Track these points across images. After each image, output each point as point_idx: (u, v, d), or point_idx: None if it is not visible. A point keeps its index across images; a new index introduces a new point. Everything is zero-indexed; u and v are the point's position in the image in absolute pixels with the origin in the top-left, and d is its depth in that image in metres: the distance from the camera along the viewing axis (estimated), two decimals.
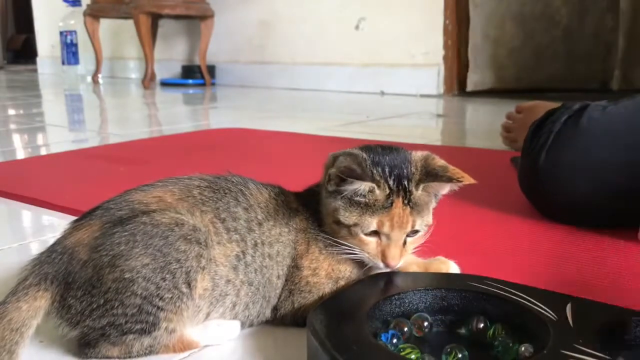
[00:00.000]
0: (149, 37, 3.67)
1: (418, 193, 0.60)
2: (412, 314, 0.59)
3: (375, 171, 0.59)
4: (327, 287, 0.62)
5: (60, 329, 0.56)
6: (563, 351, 0.47)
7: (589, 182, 0.89)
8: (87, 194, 1.15)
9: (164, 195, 0.60)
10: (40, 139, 1.99)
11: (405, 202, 0.59)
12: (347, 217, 0.59)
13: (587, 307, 0.55)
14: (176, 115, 2.67)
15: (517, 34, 2.93)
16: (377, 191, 0.58)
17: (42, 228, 1.03)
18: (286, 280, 0.62)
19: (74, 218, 0.61)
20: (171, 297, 0.55)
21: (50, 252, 0.57)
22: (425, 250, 0.67)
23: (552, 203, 0.95)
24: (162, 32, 4.16)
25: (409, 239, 0.61)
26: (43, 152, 1.72)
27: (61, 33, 4.34)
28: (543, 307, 0.54)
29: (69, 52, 4.33)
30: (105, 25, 4.16)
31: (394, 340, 0.55)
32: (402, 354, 0.53)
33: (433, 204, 0.62)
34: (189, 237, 0.56)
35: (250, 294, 0.61)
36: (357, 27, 3.33)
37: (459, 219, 0.96)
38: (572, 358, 0.47)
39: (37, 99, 3.32)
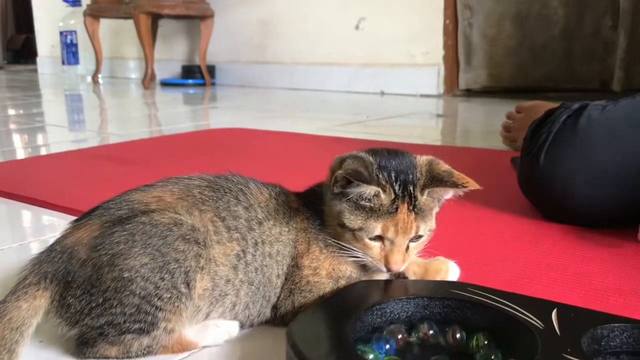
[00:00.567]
0: (149, 37, 3.67)
1: (423, 198, 0.60)
2: (394, 324, 0.57)
3: (381, 176, 0.59)
4: (327, 287, 0.62)
5: (59, 328, 0.56)
6: None
7: (588, 181, 0.89)
8: (87, 194, 1.15)
9: (163, 195, 0.60)
10: (40, 139, 1.99)
11: (410, 207, 0.59)
12: (352, 220, 0.59)
13: (572, 314, 0.54)
14: (176, 115, 2.67)
15: (515, 33, 2.93)
16: (383, 196, 0.59)
17: (42, 228, 1.03)
18: (286, 279, 0.62)
19: (74, 218, 0.61)
20: (170, 296, 0.55)
21: (50, 252, 0.57)
22: (424, 250, 0.67)
23: (551, 203, 0.95)
24: (162, 32, 4.16)
25: (412, 244, 0.61)
26: (43, 152, 1.72)
27: (61, 33, 4.34)
28: (528, 314, 0.53)
29: (69, 52, 4.33)
30: (105, 25, 4.16)
31: (387, 347, 0.54)
32: None
33: (436, 209, 0.62)
34: (187, 237, 0.56)
35: (250, 293, 0.61)
36: (357, 27, 3.33)
37: (458, 219, 0.96)
38: None
39: (37, 99, 3.32)
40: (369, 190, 0.58)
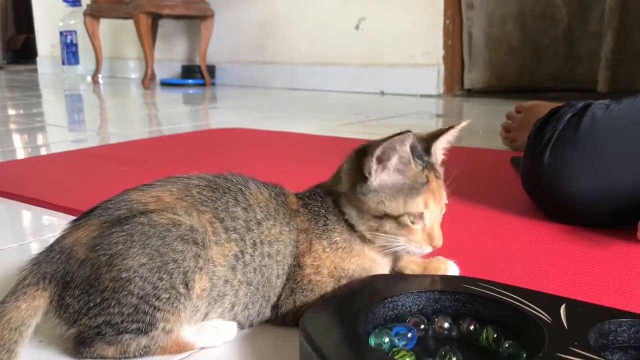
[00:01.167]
0: (149, 37, 3.67)
1: (434, 160, 0.63)
2: (406, 317, 0.58)
3: None
4: (329, 286, 0.62)
5: (58, 328, 0.56)
6: (559, 354, 0.47)
7: (591, 181, 0.89)
8: (86, 194, 1.15)
9: (162, 195, 0.59)
10: (40, 139, 1.99)
11: (437, 174, 0.62)
12: (394, 206, 0.60)
13: (581, 309, 0.55)
14: (176, 115, 2.67)
15: (518, 33, 2.93)
16: (413, 166, 0.61)
17: (42, 228, 1.03)
18: (287, 279, 0.62)
19: (74, 218, 0.61)
20: (168, 297, 0.55)
21: (49, 252, 0.57)
22: None
23: (555, 202, 0.94)
24: (162, 32, 4.16)
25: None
26: (43, 152, 1.72)
27: (61, 33, 4.34)
28: (537, 309, 0.54)
29: (69, 52, 4.33)
30: (105, 25, 4.16)
31: (409, 335, 0.56)
32: (397, 357, 0.53)
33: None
34: (185, 238, 0.56)
35: (249, 294, 0.60)
36: (357, 27, 3.33)
37: (458, 219, 0.96)
38: None
39: (37, 99, 3.32)
40: (406, 153, 0.59)
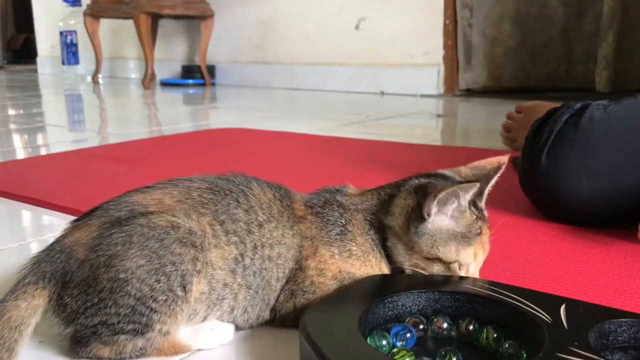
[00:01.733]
0: (149, 37, 3.67)
1: (485, 210, 0.63)
2: (405, 317, 0.58)
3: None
4: (331, 288, 0.62)
5: (56, 328, 0.57)
6: (559, 354, 0.47)
7: (589, 181, 0.89)
8: (86, 194, 1.15)
9: (163, 197, 0.59)
10: (40, 139, 1.99)
11: (487, 225, 0.63)
12: (447, 253, 0.61)
13: (581, 309, 0.55)
14: (176, 115, 2.67)
15: (515, 33, 2.93)
16: (468, 214, 0.61)
17: (42, 228, 1.03)
18: (287, 281, 0.62)
19: (74, 218, 0.61)
20: (165, 299, 0.55)
21: (49, 251, 0.57)
22: None
23: (552, 202, 0.95)
24: (162, 32, 4.16)
25: None
26: (43, 152, 1.72)
27: (61, 33, 4.35)
28: (537, 309, 0.54)
29: (69, 52, 4.34)
30: (105, 25, 4.16)
31: (408, 335, 0.56)
32: (397, 357, 0.53)
33: None
34: (184, 240, 0.56)
35: (248, 297, 0.60)
36: (357, 27, 3.33)
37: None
38: None
39: (37, 99, 3.32)
40: (465, 201, 0.59)
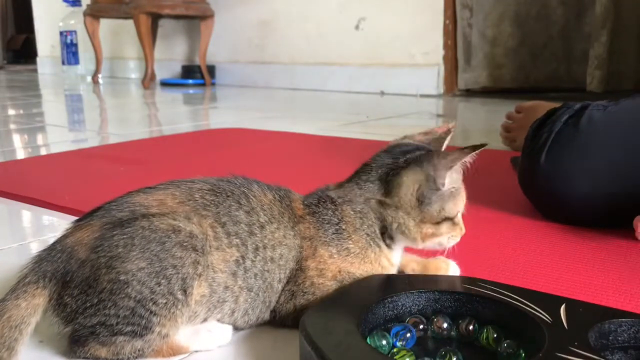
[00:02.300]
0: (149, 37, 3.67)
1: None
2: (405, 317, 0.59)
3: None
4: (331, 289, 0.62)
5: (55, 327, 0.57)
6: (559, 354, 0.47)
7: (588, 182, 0.89)
8: (86, 194, 1.15)
9: (165, 199, 0.59)
10: (40, 139, 1.99)
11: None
12: (452, 209, 0.64)
13: (581, 309, 0.55)
14: (176, 115, 2.67)
15: (514, 33, 2.93)
16: (459, 172, 0.64)
17: (42, 228, 1.03)
18: (288, 281, 0.62)
19: (74, 218, 0.61)
20: (165, 302, 0.55)
21: (50, 250, 0.57)
22: (427, 250, 0.67)
23: (551, 202, 0.95)
24: (162, 32, 4.16)
25: None
26: (43, 152, 1.72)
27: (61, 33, 4.35)
28: (537, 309, 0.54)
29: (69, 52, 4.34)
30: (105, 25, 4.16)
31: (408, 335, 0.56)
32: (397, 357, 0.53)
33: None
34: (185, 244, 0.56)
35: (249, 300, 0.60)
36: (357, 27, 3.33)
37: None
38: None
39: (37, 99, 3.33)
40: (468, 158, 0.62)
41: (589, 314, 0.54)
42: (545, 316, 0.53)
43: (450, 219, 0.64)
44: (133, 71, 4.57)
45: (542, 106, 1.40)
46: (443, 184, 0.62)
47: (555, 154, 0.92)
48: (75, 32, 4.30)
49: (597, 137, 0.90)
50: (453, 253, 0.70)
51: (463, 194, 0.65)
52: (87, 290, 0.54)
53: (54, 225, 1.01)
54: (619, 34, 2.56)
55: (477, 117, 2.53)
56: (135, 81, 4.26)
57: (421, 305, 0.59)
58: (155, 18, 3.83)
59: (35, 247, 0.90)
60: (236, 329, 0.62)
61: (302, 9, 3.51)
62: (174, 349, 0.58)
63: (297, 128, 2.00)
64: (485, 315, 0.57)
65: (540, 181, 0.94)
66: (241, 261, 0.59)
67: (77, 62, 4.36)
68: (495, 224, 0.96)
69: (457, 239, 0.66)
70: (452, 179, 0.63)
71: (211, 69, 3.92)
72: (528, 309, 0.54)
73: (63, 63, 4.41)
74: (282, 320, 0.62)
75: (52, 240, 0.59)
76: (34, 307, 0.55)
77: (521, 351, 0.52)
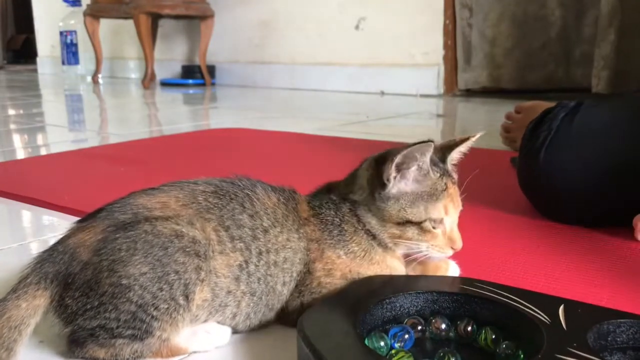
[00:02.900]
0: (149, 37, 3.67)
1: (450, 168, 0.65)
2: (403, 318, 0.58)
3: None
4: (339, 288, 0.62)
5: (57, 328, 0.57)
6: (558, 355, 0.47)
7: (583, 180, 0.89)
8: (87, 194, 1.15)
9: (168, 201, 0.59)
10: (40, 139, 1.99)
11: (453, 180, 0.64)
12: (416, 213, 0.61)
13: (579, 310, 0.55)
14: (176, 115, 2.67)
15: (514, 34, 2.93)
16: (431, 174, 0.62)
17: (42, 228, 1.03)
18: (296, 285, 0.62)
19: (74, 218, 0.61)
20: (167, 307, 0.54)
21: (52, 251, 0.57)
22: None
23: (550, 201, 0.95)
24: (162, 32, 4.16)
25: None
26: (43, 152, 1.72)
27: (61, 33, 4.35)
28: (535, 309, 0.54)
29: (69, 52, 4.34)
30: (105, 25, 4.16)
31: (406, 336, 0.56)
32: (395, 358, 0.53)
33: None
34: (187, 250, 0.55)
35: (252, 304, 0.60)
36: (357, 27, 3.33)
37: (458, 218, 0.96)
38: None
39: (37, 99, 3.33)
40: (425, 163, 0.60)
41: (587, 315, 0.53)
42: (543, 317, 0.53)
43: (414, 224, 0.62)
44: (133, 71, 4.57)
45: (542, 106, 1.40)
46: (388, 180, 0.61)
47: (552, 152, 0.92)
48: (75, 32, 4.30)
49: (588, 135, 0.91)
50: (453, 253, 0.70)
51: (441, 204, 0.62)
52: (88, 293, 0.54)
53: (54, 225, 1.01)
54: (625, 33, 2.55)
55: (477, 117, 2.53)
56: (135, 81, 4.26)
57: (419, 306, 0.59)
58: (155, 18, 3.83)
59: (35, 247, 0.90)
60: (238, 332, 0.62)
61: (302, 9, 3.51)
62: (172, 350, 0.57)
63: (297, 128, 2.00)
64: (484, 316, 0.57)
65: (539, 180, 0.94)
66: (244, 266, 0.59)
67: (77, 62, 4.36)
68: (495, 223, 0.96)
69: (444, 252, 0.63)
70: (409, 179, 0.61)
71: (211, 69, 3.92)
72: (526, 309, 0.54)
73: (63, 63, 4.41)
74: (286, 316, 0.62)
75: (52, 241, 0.59)
76: (35, 308, 0.55)
77: (520, 352, 0.52)
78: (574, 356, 0.47)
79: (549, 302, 0.56)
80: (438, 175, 0.62)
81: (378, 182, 0.62)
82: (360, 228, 0.63)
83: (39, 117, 2.58)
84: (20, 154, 1.69)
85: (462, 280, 0.62)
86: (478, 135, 0.66)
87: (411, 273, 0.67)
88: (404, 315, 0.58)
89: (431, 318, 0.58)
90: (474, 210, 1.01)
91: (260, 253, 0.60)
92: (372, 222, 0.63)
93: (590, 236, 0.88)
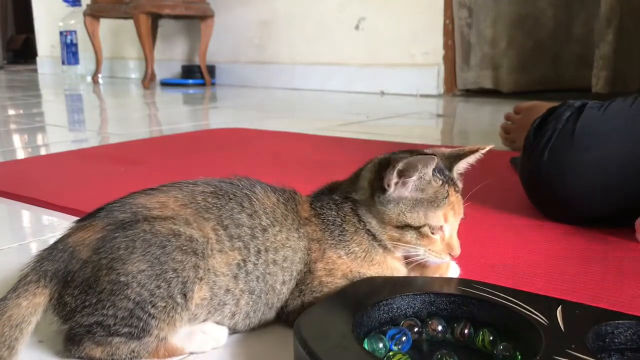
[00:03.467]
0: (149, 37, 3.67)
1: (456, 176, 0.64)
2: (400, 320, 0.58)
3: None
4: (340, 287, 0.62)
5: (55, 326, 0.57)
6: (556, 357, 0.47)
7: (586, 181, 0.89)
8: (86, 194, 1.15)
9: (167, 201, 0.59)
10: (40, 139, 1.99)
11: (456, 188, 0.63)
12: (415, 218, 0.61)
13: (578, 311, 0.54)
14: (176, 115, 2.67)
15: (514, 34, 2.93)
16: (433, 183, 0.62)
17: (42, 228, 1.03)
18: (297, 284, 0.62)
19: (74, 218, 0.61)
20: (165, 305, 0.55)
21: (52, 249, 0.57)
22: None
23: (553, 201, 0.94)
24: (162, 32, 4.16)
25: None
26: (43, 152, 1.73)
27: (61, 33, 4.35)
28: (533, 311, 0.54)
29: (69, 52, 4.34)
30: (105, 25, 4.16)
31: (403, 338, 0.56)
32: None
33: None
34: (184, 248, 0.56)
35: (251, 303, 0.60)
36: (357, 27, 3.33)
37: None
38: None
39: (37, 99, 3.33)
40: (427, 174, 0.60)
41: (585, 316, 0.53)
42: (541, 318, 0.53)
43: (413, 228, 0.62)
44: (133, 71, 4.57)
45: (541, 107, 1.40)
46: (389, 185, 0.61)
47: (557, 152, 0.92)
48: (75, 32, 4.30)
49: (591, 136, 0.90)
50: None
51: (441, 212, 0.62)
52: (87, 290, 0.54)
53: (54, 225, 1.02)
54: (623, 34, 2.55)
55: (476, 117, 2.53)
56: (135, 81, 4.26)
57: (416, 308, 0.59)
58: (155, 18, 3.83)
59: (35, 247, 0.90)
60: (237, 331, 0.62)
61: (302, 9, 3.51)
62: (168, 350, 0.57)
63: (297, 128, 2.00)
64: (481, 318, 0.57)
65: (543, 179, 0.94)
66: (242, 264, 0.59)
67: (77, 62, 4.36)
68: (495, 223, 0.96)
69: (441, 258, 0.63)
70: (409, 187, 0.61)
71: (211, 69, 3.93)
72: (524, 311, 0.54)
73: (63, 63, 4.41)
74: (287, 315, 0.62)
75: (52, 240, 0.59)
76: (35, 306, 0.55)
77: (517, 354, 0.52)
78: (572, 358, 0.47)
79: (546, 303, 0.55)
80: (440, 183, 0.62)
81: (379, 186, 0.62)
82: (361, 228, 0.63)
83: (39, 117, 2.58)
84: (20, 154, 1.69)
85: (460, 281, 0.62)
86: (488, 148, 0.66)
87: (411, 273, 0.67)
88: (400, 317, 0.58)
89: (428, 319, 0.58)
90: (473, 210, 1.01)
91: (258, 252, 0.60)
92: (373, 223, 0.63)
93: (589, 236, 0.88)
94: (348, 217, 0.64)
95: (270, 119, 2.39)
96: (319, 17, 3.45)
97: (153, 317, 0.55)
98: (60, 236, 0.59)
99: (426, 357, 0.55)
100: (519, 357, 0.52)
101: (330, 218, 0.64)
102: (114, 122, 2.54)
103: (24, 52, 6.94)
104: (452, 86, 3.10)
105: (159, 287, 0.54)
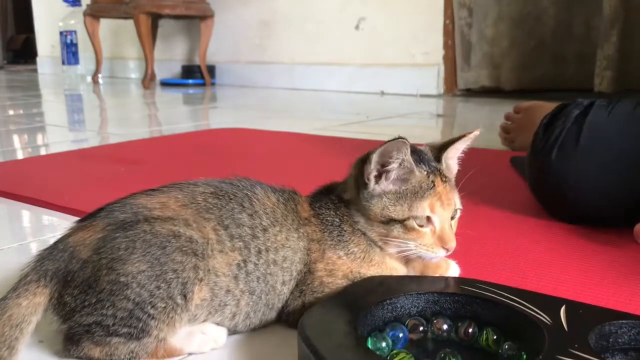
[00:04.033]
0: (149, 37, 3.67)
1: (444, 166, 0.64)
2: (404, 319, 0.58)
3: None
4: (341, 288, 0.62)
5: (55, 325, 0.57)
6: (559, 356, 0.47)
7: (594, 181, 0.89)
8: (86, 194, 1.15)
9: (167, 201, 0.59)
10: (40, 139, 1.99)
11: (443, 179, 0.62)
12: (399, 211, 0.61)
13: (581, 310, 0.54)
14: (176, 115, 2.67)
15: (514, 33, 2.93)
16: (417, 173, 0.61)
17: (42, 228, 1.03)
18: (297, 284, 0.62)
19: (74, 218, 0.61)
20: (164, 306, 0.54)
21: (52, 249, 0.57)
22: None
23: (561, 200, 0.94)
24: (162, 32, 4.16)
25: (452, 223, 0.63)
26: (43, 152, 1.72)
27: (61, 33, 4.35)
28: (537, 310, 0.54)
29: (69, 52, 4.34)
30: (105, 25, 4.16)
31: (400, 335, 0.56)
32: (396, 359, 0.53)
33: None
34: (184, 249, 0.56)
35: (251, 303, 0.60)
36: (357, 27, 3.33)
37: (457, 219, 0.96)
38: None
39: (37, 99, 3.32)
40: (406, 160, 0.60)
41: (589, 316, 0.53)
42: (545, 318, 0.53)
43: (398, 222, 0.61)
44: (133, 71, 4.57)
45: (541, 106, 1.40)
46: (368, 178, 0.61)
47: (566, 150, 0.91)
48: (75, 32, 4.30)
49: (598, 136, 0.90)
50: (453, 252, 0.70)
51: (426, 202, 0.61)
52: (87, 290, 0.54)
53: (54, 225, 1.01)
54: (627, 35, 2.55)
55: (476, 117, 2.53)
56: (135, 81, 4.26)
57: (420, 307, 0.59)
58: (155, 18, 3.83)
59: (35, 247, 0.90)
60: (238, 332, 0.62)
61: (302, 9, 3.51)
62: (167, 350, 0.57)
63: (297, 128, 2.00)
64: (485, 317, 0.57)
65: (552, 178, 0.93)
66: (243, 265, 0.59)
67: (77, 62, 4.36)
68: (495, 223, 0.96)
69: (434, 252, 0.62)
70: (390, 179, 0.61)
71: (211, 69, 3.92)
72: (528, 310, 0.54)
73: (63, 63, 4.41)
74: (287, 316, 0.62)
75: (52, 240, 0.59)
76: (35, 305, 0.55)
77: (522, 353, 0.52)
78: (575, 357, 0.47)
79: (550, 303, 0.55)
80: (425, 173, 0.62)
81: (362, 182, 0.62)
82: (357, 228, 0.63)
83: (39, 117, 2.58)
84: (20, 154, 1.69)
85: (464, 281, 0.62)
86: (476, 133, 0.65)
87: (411, 274, 0.67)
88: (405, 316, 0.58)
89: (433, 318, 0.58)
90: (473, 210, 1.01)
91: (259, 252, 0.60)
92: (361, 222, 0.63)
93: (592, 236, 0.88)
94: (345, 217, 0.64)
95: (270, 119, 2.39)
96: (318, 17, 3.45)
97: (152, 317, 0.54)
98: (60, 236, 0.59)
99: (430, 356, 0.55)
100: (524, 356, 0.52)
101: (329, 218, 0.64)
102: (114, 122, 2.53)
103: (24, 52, 6.94)
104: (452, 86, 3.10)
105: (158, 287, 0.54)
